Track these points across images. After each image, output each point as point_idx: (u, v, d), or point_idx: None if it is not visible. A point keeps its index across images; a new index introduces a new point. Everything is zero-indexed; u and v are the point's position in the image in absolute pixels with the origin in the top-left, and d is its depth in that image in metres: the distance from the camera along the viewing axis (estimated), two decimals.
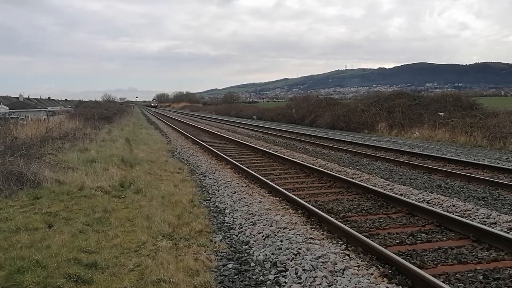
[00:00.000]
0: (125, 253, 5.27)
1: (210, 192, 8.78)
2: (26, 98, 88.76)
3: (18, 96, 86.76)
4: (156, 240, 5.66)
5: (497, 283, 4.23)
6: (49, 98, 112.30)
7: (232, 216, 6.87)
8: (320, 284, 4.16)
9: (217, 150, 14.79)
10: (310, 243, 5.27)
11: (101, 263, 4.83)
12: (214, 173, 10.87)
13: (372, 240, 5.20)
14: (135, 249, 5.42)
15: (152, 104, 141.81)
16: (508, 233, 5.54)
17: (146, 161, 12.48)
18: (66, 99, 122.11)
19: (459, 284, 4.21)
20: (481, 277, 4.36)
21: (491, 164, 11.04)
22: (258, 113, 47.33)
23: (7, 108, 62.90)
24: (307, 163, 11.72)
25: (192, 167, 12.14)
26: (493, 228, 5.73)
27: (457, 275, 4.41)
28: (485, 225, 5.86)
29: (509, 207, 7.13)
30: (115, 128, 26.09)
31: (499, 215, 6.43)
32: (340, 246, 5.25)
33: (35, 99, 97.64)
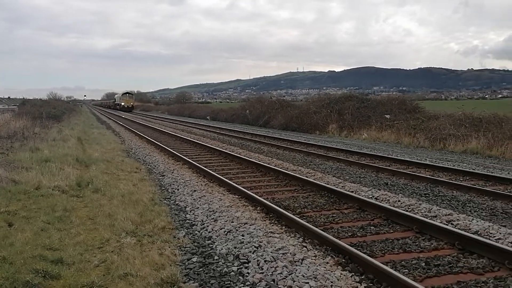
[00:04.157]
0: (89, 249, 5.37)
1: (170, 191, 8.92)
2: None
3: None
4: (119, 237, 5.77)
5: (437, 269, 4.74)
6: None
7: (193, 214, 7.07)
8: (281, 273, 4.49)
9: (173, 150, 14.85)
10: (270, 236, 5.60)
11: (67, 260, 4.91)
12: (173, 172, 10.98)
13: (327, 233, 5.61)
14: (99, 246, 5.52)
15: (123, 104, 75.22)
16: (447, 225, 6.13)
17: (101, 161, 12.37)
18: (9, 97, 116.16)
19: (404, 270, 4.68)
20: (423, 264, 4.86)
21: (432, 164, 11.89)
22: (212, 113, 47.32)
23: None
24: (263, 162, 12.09)
25: (149, 166, 12.17)
26: (434, 220, 6.32)
27: (402, 262, 4.89)
28: (427, 218, 6.44)
29: (448, 202, 7.83)
30: (65, 128, 25.32)
31: (439, 209, 7.08)
32: (298, 239, 5.63)
33: None
